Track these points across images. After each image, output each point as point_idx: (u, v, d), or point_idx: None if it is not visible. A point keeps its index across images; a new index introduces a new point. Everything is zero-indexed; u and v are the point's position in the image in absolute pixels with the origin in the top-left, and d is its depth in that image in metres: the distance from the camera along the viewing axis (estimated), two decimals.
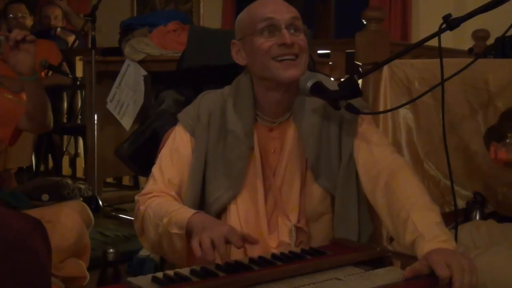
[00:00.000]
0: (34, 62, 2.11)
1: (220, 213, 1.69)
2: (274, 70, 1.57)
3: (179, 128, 1.72)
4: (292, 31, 1.59)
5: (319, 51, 3.53)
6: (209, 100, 1.71)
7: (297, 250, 1.46)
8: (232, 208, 1.66)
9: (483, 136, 2.09)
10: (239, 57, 1.66)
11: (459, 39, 3.87)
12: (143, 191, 1.68)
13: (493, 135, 2.01)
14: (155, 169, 1.70)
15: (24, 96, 2.32)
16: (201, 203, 1.70)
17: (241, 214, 1.66)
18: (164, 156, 1.70)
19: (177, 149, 1.70)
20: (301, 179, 1.67)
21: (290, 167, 1.67)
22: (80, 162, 5.22)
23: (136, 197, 1.69)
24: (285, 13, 1.59)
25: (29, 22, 4.71)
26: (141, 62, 3.90)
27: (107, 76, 4.17)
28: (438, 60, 1.55)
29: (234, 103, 1.67)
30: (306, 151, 1.65)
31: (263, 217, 1.65)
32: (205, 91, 1.75)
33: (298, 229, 1.66)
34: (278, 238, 1.66)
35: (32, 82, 2.16)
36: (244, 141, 1.65)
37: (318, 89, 1.59)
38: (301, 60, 1.60)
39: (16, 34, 2.07)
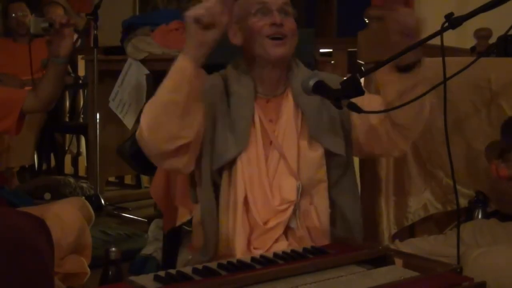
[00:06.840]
0: (72, 45, 2.28)
1: (228, 171, 1.76)
2: (265, 47, 1.75)
3: None
4: (282, 14, 1.76)
5: (321, 50, 3.52)
6: (210, 77, 1.81)
7: (299, 249, 1.46)
8: (239, 167, 1.75)
9: (484, 155, 2.11)
10: (235, 38, 1.81)
11: (461, 38, 3.86)
12: None
13: (493, 152, 2.02)
14: None
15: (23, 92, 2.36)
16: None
17: (246, 175, 1.75)
18: None
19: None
20: (297, 148, 1.78)
21: (288, 134, 1.79)
22: (82, 161, 5.23)
23: None
24: None
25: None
26: (143, 61, 3.90)
27: (109, 75, 4.16)
28: (440, 59, 1.54)
29: (235, 76, 1.81)
30: (307, 120, 1.78)
31: (265, 178, 1.75)
32: None
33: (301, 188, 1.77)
34: (280, 196, 1.75)
35: (63, 65, 2.32)
36: (246, 103, 1.77)
37: (321, 88, 1.59)
38: (289, 40, 1.76)
39: (61, 18, 2.25)
